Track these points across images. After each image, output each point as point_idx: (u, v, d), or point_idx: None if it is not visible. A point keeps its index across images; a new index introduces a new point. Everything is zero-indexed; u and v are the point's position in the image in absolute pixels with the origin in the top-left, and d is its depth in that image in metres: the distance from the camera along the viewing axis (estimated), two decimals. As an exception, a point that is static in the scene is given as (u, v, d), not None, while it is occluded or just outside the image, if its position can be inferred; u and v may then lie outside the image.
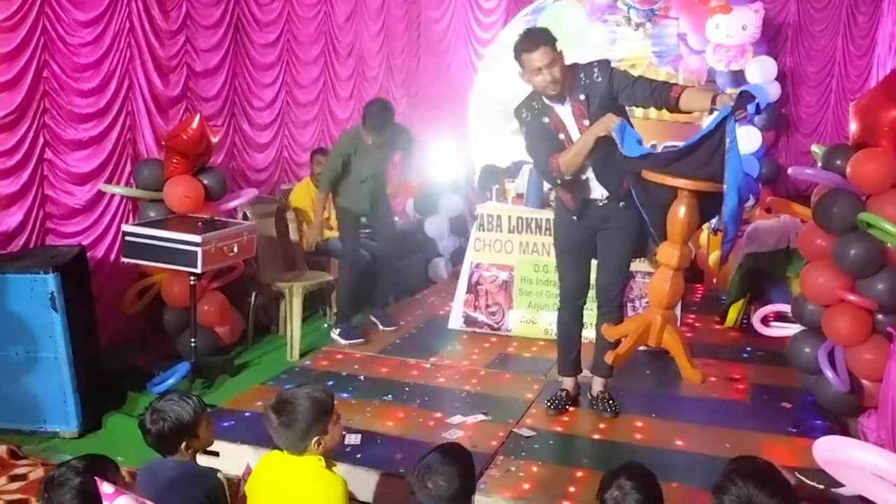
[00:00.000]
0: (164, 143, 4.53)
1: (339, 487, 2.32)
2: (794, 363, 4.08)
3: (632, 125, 3.34)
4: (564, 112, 3.43)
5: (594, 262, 3.77)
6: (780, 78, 6.60)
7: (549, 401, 3.85)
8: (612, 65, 3.45)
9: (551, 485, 3.10)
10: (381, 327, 5.03)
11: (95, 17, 4.36)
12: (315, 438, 2.33)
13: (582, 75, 3.38)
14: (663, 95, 3.24)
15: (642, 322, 3.52)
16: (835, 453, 2.30)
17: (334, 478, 2.35)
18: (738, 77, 6.44)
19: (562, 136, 3.44)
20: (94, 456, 2.07)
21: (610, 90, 3.33)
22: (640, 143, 3.22)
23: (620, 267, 3.71)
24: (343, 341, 4.74)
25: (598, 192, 3.54)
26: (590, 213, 3.59)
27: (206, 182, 4.52)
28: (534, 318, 5.04)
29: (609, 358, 3.56)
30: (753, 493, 1.83)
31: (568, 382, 3.92)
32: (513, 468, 3.22)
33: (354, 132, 4.74)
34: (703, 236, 6.38)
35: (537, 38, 3.33)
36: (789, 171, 4.44)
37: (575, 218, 3.61)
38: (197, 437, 2.39)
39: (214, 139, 4.64)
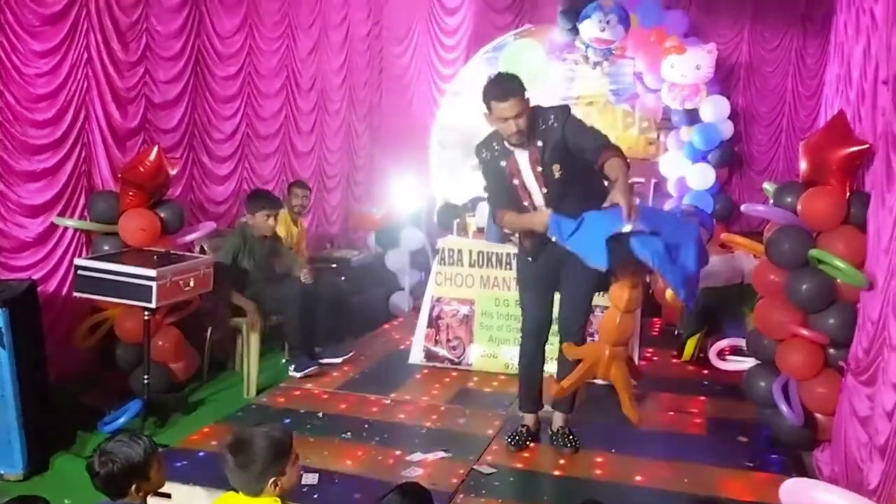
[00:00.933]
0: (120, 175, 4.46)
1: None
2: (750, 397, 4.14)
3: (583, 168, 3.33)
4: (522, 158, 3.45)
5: (558, 297, 3.77)
6: (733, 116, 6.77)
7: (509, 437, 3.83)
8: (571, 111, 3.47)
9: (511, 523, 3.07)
10: (335, 361, 4.99)
11: (52, 48, 4.30)
12: (272, 480, 2.27)
13: (540, 121, 3.39)
14: (594, 157, 3.26)
15: (595, 351, 3.55)
16: (801, 496, 2.31)
17: None
18: (692, 115, 6.60)
19: (516, 182, 3.48)
20: (26, 497, 2.00)
21: (563, 138, 3.35)
22: (578, 226, 3.23)
23: (582, 301, 3.70)
24: (298, 374, 4.70)
25: None
26: (549, 251, 3.58)
27: (162, 215, 4.45)
28: (494, 352, 5.03)
29: (552, 390, 3.71)
30: None
31: (529, 418, 3.90)
32: (473, 506, 3.19)
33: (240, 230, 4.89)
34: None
35: (508, 90, 3.34)
36: (742, 207, 4.54)
37: (530, 259, 3.66)
38: (147, 479, 2.32)
39: (172, 171, 4.58)
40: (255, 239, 4.90)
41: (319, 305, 5.05)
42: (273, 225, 4.90)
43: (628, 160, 3.28)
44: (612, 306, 3.45)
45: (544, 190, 3.45)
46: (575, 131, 3.37)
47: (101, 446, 2.29)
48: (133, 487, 2.28)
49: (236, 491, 2.32)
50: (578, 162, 3.35)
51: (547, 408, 3.94)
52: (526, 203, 3.52)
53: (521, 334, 3.92)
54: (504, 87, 3.36)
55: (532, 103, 3.43)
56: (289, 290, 4.86)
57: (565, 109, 3.46)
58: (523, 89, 3.37)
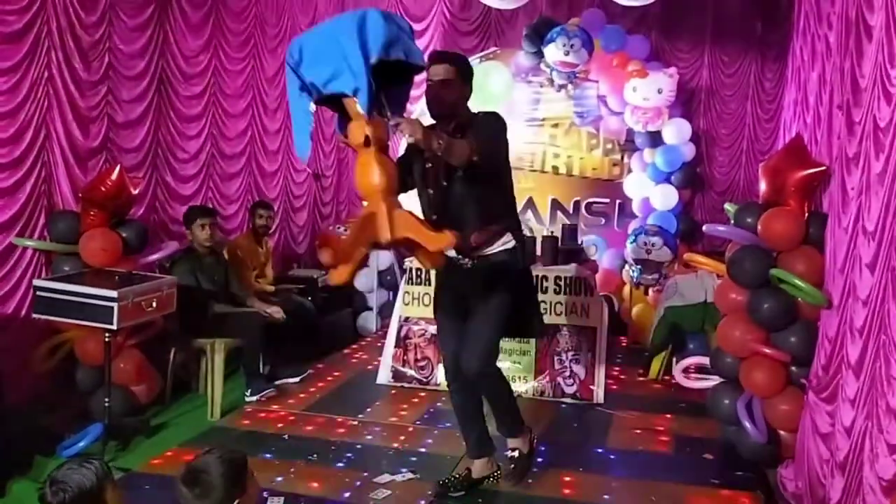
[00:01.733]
0: (81, 194, 4.38)
1: None
2: (715, 414, 4.18)
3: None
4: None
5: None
6: (695, 139, 6.91)
7: (440, 482, 3.50)
8: (490, 118, 3.31)
9: (480, 544, 3.06)
10: (292, 381, 4.99)
11: (12, 66, 4.23)
12: (236, 502, 2.23)
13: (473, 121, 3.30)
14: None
15: (365, 220, 2.93)
16: None
17: None
18: (654, 137, 6.72)
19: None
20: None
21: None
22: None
23: (486, 336, 3.30)
24: (253, 398, 4.69)
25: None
26: (455, 274, 3.34)
27: (124, 235, 4.39)
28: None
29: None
30: None
31: (477, 465, 3.57)
32: (441, 528, 3.16)
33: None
34: (626, 290, 6.55)
35: (445, 57, 3.37)
36: (704, 228, 4.62)
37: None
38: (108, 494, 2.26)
39: (135, 191, 4.52)
40: (203, 258, 4.94)
41: (284, 329, 5.04)
42: (209, 234, 4.92)
43: (474, 155, 3.03)
44: (359, 151, 2.96)
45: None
46: (474, 129, 3.20)
47: (50, 475, 2.21)
48: None
49: None
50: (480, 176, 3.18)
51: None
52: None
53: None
54: (442, 55, 3.43)
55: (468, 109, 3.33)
56: (251, 318, 4.83)
57: (488, 114, 3.35)
58: (463, 67, 3.30)
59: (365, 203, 3.09)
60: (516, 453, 3.59)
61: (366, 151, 2.96)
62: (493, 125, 3.29)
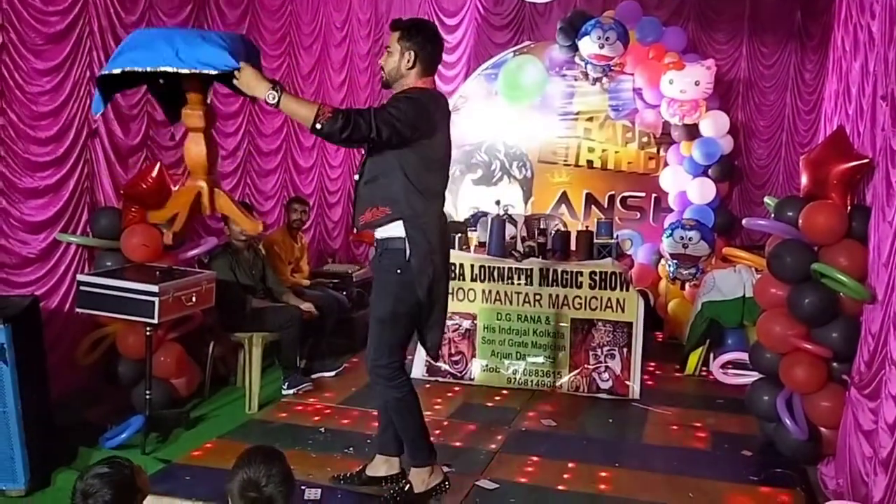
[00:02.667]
0: (122, 191, 4.47)
1: None
2: (753, 411, 4.13)
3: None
4: None
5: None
6: (733, 131, 6.79)
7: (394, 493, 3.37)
8: (401, 96, 3.18)
9: (515, 538, 3.06)
10: (327, 375, 5.03)
11: (55, 66, 4.33)
12: None
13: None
14: None
15: (188, 194, 3.57)
16: None
17: None
18: (691, 130, 6.63)
19: None
20: None
21: None
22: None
23: (370, 330, 3.34)
24: (291, 391, 4.73)
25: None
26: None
27: (164, 231, 4.46)
28: (497, 366, 5.03)
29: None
30: None
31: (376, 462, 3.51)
32: (476, 521, 3.18)
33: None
34: (662, 284, 6.48)
35: (394, 22, 3.27)
36: (744, 221, 4.56)
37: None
38: (140, 491, 2.31)
39: (175, 188, 4.59)
40: (241, 253, 5.00)
41: (320, 324, 5.10)
42: (242, 228, 4.94)
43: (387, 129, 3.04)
44: (190, 132, 3.52)
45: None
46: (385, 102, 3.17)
47: (79, 488, 2.19)
48: None
49: None
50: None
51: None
52: None
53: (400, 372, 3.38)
54: (399, 19, 3.30)
55: (414, 74, 3.19)
56: (288, 312, 4.89)
57: (402, 94, 3.19)
58: (405, 33, 3.18)
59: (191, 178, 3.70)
60: (406, 486, 3.35)
61: (198, 135, 3.55)
62: (394, 103, 3.13)
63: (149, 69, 3.29)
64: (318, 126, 3.01)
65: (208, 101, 3.59)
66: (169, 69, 3.26)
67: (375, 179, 3.21)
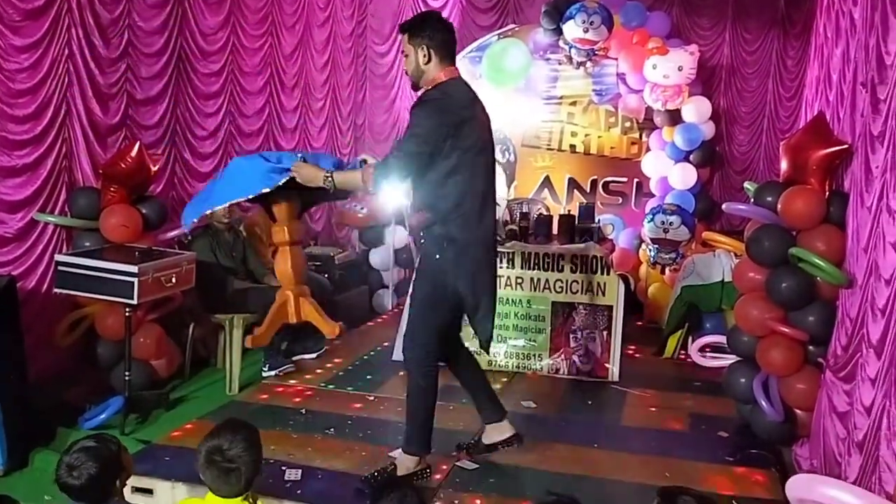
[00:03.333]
0: (101, 171, 4.42)
1: None
2: (730, 393, 4.18)
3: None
4: None
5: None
6: (715, 117, 6.83)
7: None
8: (423, 104, 3.26)
9: (495, 518, 3.09)
10: (308, 356, 5.03)
11: (33, 43, 4.25)
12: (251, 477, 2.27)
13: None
14: None
15: (278, 307, 4.08)
16: (809, 492, 2.26)
17: None
18: (674, 115, 6.65)
19: None
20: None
21: None
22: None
23: (409, 318, 3.45)
24: (272, 373, 4.71)
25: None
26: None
27: (144, 211, 4.43)
28: (477, 348, 5.03)
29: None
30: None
31: (488, 430, 3.62)
32: (456, 502, 3.20)
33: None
34: (643, 269, 6.53)
35: (401, 27, 3.33)
36: (724, 206, 4.59)
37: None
38: (125, 469, 2.32)
39: (154, 167, 4.55)
40: (221, 234, 4.97)
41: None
42: (228, 211, 4.94)
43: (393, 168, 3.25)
44: (280, 247, 3.95)
45: None
46: (408, 121, 3.30)
47: (65, 461, 2.23)
48: (118, 483, 2.27)
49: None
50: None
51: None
52: None
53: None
54: (405, 22, 3.35)
55: (434, 66, 3.23)
56: (269, 294, 4.86)
57: (420, 101, 3.28)
58: (414, 33, 3.23)
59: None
60: (391, 466, 3.38)
61: (285, 248, 4.06)
62: (412, 122, 3.23)
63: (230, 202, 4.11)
64: (372, 190, 3.43)
65: (298, 217, 4.18)
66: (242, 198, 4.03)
67: (415, 185, 3.33)
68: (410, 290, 3.51)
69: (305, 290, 4.06)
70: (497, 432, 3.59)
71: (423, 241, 3.39)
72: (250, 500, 2.28)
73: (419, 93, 3.34)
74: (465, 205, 3.23)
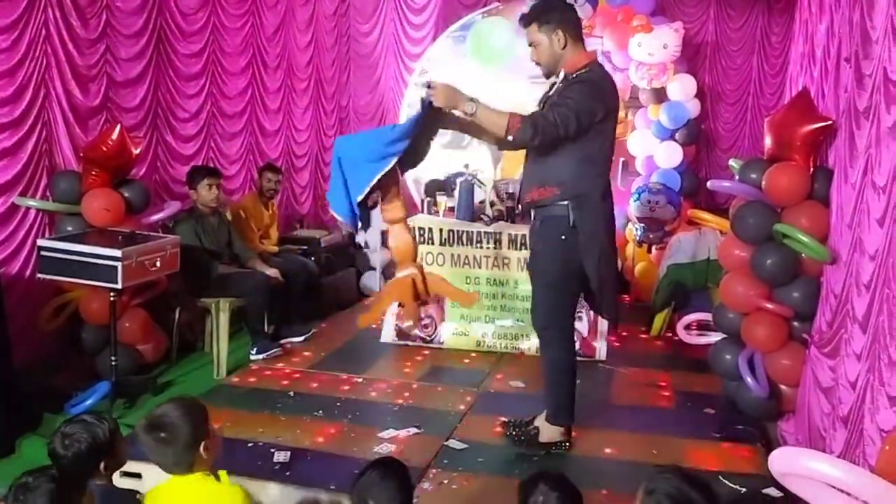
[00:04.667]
0: (82, 154, 4.36)
1: (238, 496, 2.20)
2: (716, 370, 4.21)
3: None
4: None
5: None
6: (700, 95, 6.82)
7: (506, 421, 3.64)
8: (585, 82, 3.22)
9: (484, 497, 3.10)
10: (296, 340, 5.01)
11: (9, 24, 4.18)
12: (202, 444, 2.19)
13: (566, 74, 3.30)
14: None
15: (398, 288, 3.58)
16: (792, 465, 2.29)
17: (231, 488, 2.22)
18: (659, 94, 6.64)
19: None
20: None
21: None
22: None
23: (537, 295, 3.46)
24: (260, 357, 4.70)
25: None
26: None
27: (126, 195, 4.38)
28: (466, 329, 5.05)
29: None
30: (684, 488, 1.87)
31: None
32: (445, 481, 3.21)
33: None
34: (629, 248, 6.54)
35: (523, 18, 3.30)
36: (708, 184, 4.59)
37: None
38: (113, 455, 2.30)
39: (136, 150, 4.50)
40: (206, 218, 4.93)
41: (287, 290, 5.07)
42: (216, 194, 4.91)
43: (524, 130, 3.12)
44: (393, 225, 3.55)
45: None
46: (562, 92, 3.23)
47: (60, 430, 2.24)
48: (101, 466, 2.25)
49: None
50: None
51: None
52: None
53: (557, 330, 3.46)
54: (522, 16, 3.31)
55: (570, 49, 3.24)
56: (255, 278, 4.85)
57: (574, 80, 3.23)
58: (542, 21, 3.22)
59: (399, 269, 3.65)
60: (533, 430, 3.51)
61: (400, 226, 3.55)
62: (569, 94, 3.18)
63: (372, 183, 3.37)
64: (510, 138, 3.15)
65: (401, 194, 3.61)
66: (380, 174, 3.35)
67: (545, 159, 3.25)
68: (534, 273, 3.47)
69: (422, 267, 3.65)
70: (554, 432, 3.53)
71: (541, 222, 3.36)
72: (212, 477, 2.23)
73: (560, 76, 3.28)
74: (602, 189, 3.28)
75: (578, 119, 3.13)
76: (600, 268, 3.30)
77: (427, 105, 3.19)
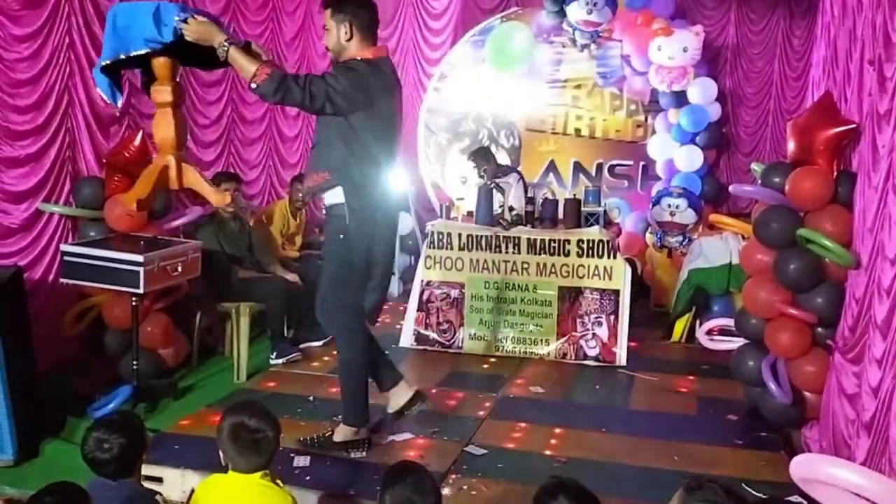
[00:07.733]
0: (105, 160, 4.41)
1: (288, 501, 2.29)
2: (739, 376, 4.17)
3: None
4: None
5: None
6: (721, 98, 6.78)
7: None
8: (342, 66, 3.24)
9: (504, 503, 3.09)
10: (315, 344, 5.04)
11: (33, 32, 4.24)
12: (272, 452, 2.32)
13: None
14: None
15: (154, 170, 3.50)
16: (812, 471, 2.25)
17: (283, 493, 2.31)
18: (679, 97, 6.60)
19: None
20: (68, 484, 2.01)
21: None
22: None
23: (325, 287, 3.45)
24: (280, 361, 4.72)
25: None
26: None
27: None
28: (484, 334, 5.05)
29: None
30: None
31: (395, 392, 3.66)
32: (465, 487, 3.20)
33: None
34: (649, 252, 6.50)
35: (325, 1, 3.31)
36: (730, 188, 4.56)
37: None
38: (146, 445, 2.36)
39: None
40: (227, 223, 4.97)
41: (307, 294, 5.08)
42: (235, 197, 4.92)
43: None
44: (159, 108, 3.44)
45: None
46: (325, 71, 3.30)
47: (93, 435, 2.25)
48: (144, 457, 2.33)
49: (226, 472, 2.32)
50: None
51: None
52: None
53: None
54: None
55: (356, 42, 3.24)
56: (275, 283, 4.87)
57: (347, 64, 3.23)
58: (335, 8, 3.24)
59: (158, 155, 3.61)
60: (327, 432, 3.53)
61: (167, 110, 3.44)
62: (332, 73, 3.19)
63: (122, 56, 3.31)
64: (254, 85, 3.11)
65: (177, 78, 3.51)
66: (134, 52, 3.29)
67: (319, 146, 3.32)
68: (322, 268, 3.56)
69: (187, 158, 3.63)
70: (403, 394, 3.62)
71: (328, 219, 3.41)
72: (269, 478, 2.29)
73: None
74: (378, 177, 3.30)
75: (330, 97, 3.11)
76: (369, 259, 3.32)
77: (179, 35, 3.17)
